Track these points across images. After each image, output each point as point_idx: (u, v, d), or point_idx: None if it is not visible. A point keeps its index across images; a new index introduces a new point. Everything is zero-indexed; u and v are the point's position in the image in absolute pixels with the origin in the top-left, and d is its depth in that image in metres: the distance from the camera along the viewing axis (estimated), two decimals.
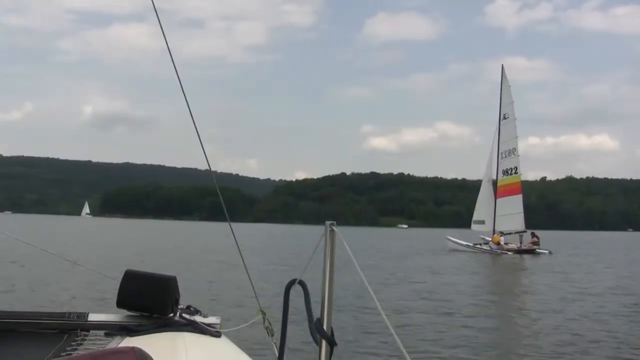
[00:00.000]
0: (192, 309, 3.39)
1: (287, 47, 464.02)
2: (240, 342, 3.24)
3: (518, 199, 44.10)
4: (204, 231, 78.07)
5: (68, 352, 2.84)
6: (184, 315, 3.24)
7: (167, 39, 3.46)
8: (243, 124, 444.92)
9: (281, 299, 2.71)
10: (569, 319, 13.98)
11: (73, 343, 2.97)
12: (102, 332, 3.08)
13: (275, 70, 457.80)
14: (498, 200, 44.71)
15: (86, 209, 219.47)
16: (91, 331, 3.14)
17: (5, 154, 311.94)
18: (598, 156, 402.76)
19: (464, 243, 44.21)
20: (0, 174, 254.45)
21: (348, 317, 12.69)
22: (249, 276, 3.93)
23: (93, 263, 20.27)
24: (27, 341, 3.03)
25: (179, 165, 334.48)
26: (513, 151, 44.78)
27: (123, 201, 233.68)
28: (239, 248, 3.91)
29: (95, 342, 2.99)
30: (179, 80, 3.53)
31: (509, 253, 40.55)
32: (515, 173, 44.58)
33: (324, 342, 2.44)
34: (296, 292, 2.68)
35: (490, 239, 43.30)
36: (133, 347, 1.83)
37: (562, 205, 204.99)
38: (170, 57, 3.49)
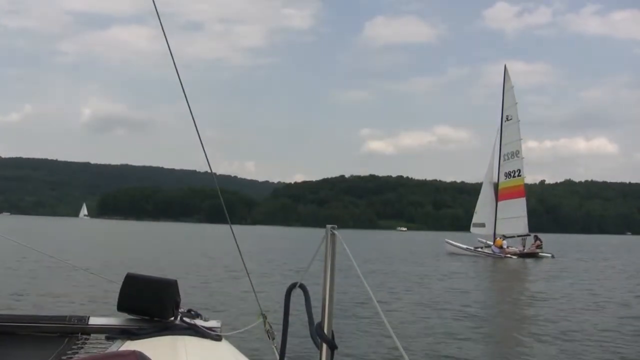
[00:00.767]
0: (192, 312, 3.39)
1: (286, 50, 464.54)
2: (241, 346, 3.24)
3: (521, 202, 43.50)
4: (203, 233, 78.03)
5: (69, 356, 2.84)
6: (184, 319, 3.25)
7: (167, 41, 3.46)
8: (242, 126, 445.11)
9: (282, 303, 2.72)
10: (600, 329, 13.04)
11: (74, 347, 2.97)
12: (102, 336, 3.09)
13: (274, 73, 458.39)
14: (499, 203, 44.09)
15: (84, 211, 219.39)
16: (92, 335, 3.14)
17: (4, 155, 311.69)
18: (597, 160, 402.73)
19: (464, 246, 43.41)
20: None
21: (349, 321, 12.65)
22: (249, 279, 3.93)
23: (90, 265, 20.26)
24: (27, 344, 3.03)
25: (177, 167, 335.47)
26: (516, 153, 44.12)
27: (122, 203, 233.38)
28: (239, 251, 3.91)
29: (96, 346, 2.99)
30: (181, 82, 3.53)
31: (513, 257, 39.81)
32: (519, 176, 43.95)
33: (324, 346, 2.45)
34: (297, 295, 2.68)
35: (489, 242, 42.91)
36: (134, 350, 1.83)
37: (561, 208, 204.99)
38: (172, 60, 3.49)
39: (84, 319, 3.22)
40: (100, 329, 3.16)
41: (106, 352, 2.71)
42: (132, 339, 2.94)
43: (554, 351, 10.87)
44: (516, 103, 44.73)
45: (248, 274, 3.93)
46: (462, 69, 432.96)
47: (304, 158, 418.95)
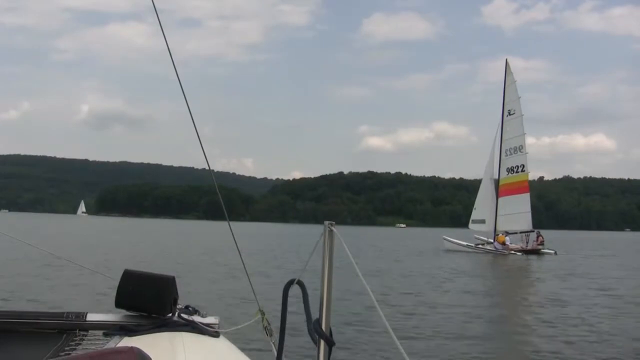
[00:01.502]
0: (190, 308, 3.39)
1: (284, 47, 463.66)
2: (239, 342, 3.25)
3: (525, 198, 42.76)
4: (202, 230, 77.99)
5: (67, 352, 2.84)
6: (182, 315, 3.25)
7: (166, 38, 3.46)
8: (240, 123, 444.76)
9: (280, 299, 2.72)
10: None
11: (72, 343, 2.97)
12: (100, 332, 3.09)
13: (272, 70, 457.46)
14: (500, 199, 43.43)
15: (82, 208, 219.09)
16: (90, 331, 3.14)
17: (2, 152, 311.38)
18: (595, 156, 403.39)
19: (464, 243, 42.83)
20: None
21: (347, 318, 12.65)
22: (247, 276, 3.93)
23: (88, 262, 20.25)
24: (25, 341, 3.02)
25: (175, 164, 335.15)
26: (520, 148, 43.32)
27: (120, 200, 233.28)
28: (238, 248, 3.91)
29: (94, 342, 2.99)
30: (179, 80, 3.53)
31: (517, 254, 39.16)
32: (523, 171, 43.19)
33: (322, 342, 2.45)
34: (295, 292, 2.68)
35: (490, 240, 42.60)
36: (132, 347, 1.83)
37: (560, 205, 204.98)
38: (170, 57, 3.48)
39: (81, 316, 3.22)
40: (98, 326, 3.16)
41: (104, 348, 2.71)
42: (130, 335, 2.94)
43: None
44: (519, 97, 44.17)
45: (246, 270, 3.93)
46: (461, 66, 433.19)
47: (302, 155, 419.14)
